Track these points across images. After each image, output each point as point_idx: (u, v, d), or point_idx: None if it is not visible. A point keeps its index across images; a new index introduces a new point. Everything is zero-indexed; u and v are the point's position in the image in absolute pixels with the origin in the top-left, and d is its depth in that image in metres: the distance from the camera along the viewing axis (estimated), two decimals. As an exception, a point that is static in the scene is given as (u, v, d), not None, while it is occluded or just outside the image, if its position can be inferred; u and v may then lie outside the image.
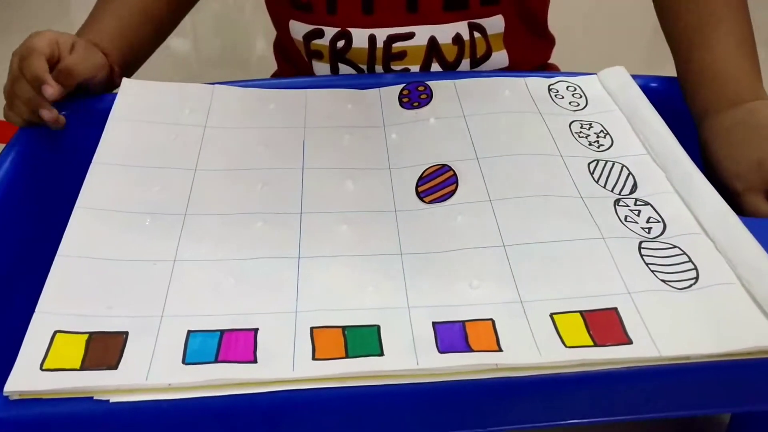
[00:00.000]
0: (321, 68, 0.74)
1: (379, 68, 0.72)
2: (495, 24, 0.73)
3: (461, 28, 0.72)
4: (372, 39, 0.71)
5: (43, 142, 0.61)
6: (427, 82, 0.67)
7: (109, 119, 0.60)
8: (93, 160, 0.56)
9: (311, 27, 0.72)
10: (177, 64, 1.86)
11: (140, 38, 0.71)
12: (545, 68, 0.80)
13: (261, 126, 0.62)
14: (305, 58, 0.75)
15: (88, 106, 0.63)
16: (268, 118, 0.63)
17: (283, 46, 0.80)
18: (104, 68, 0.65)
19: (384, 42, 0.71)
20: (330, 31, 0.72)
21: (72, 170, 0.55)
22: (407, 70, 0.73)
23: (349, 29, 0.71)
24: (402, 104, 0.65)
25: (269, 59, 0.85)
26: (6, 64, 0.61)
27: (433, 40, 0.71)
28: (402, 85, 0.67)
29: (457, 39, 0.72)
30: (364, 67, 0.73)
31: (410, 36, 0.71)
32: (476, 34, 0.72)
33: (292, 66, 0.79)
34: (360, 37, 0.71)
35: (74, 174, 0.55)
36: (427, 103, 0.65)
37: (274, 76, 0.84)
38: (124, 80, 0.64)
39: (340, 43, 0.72)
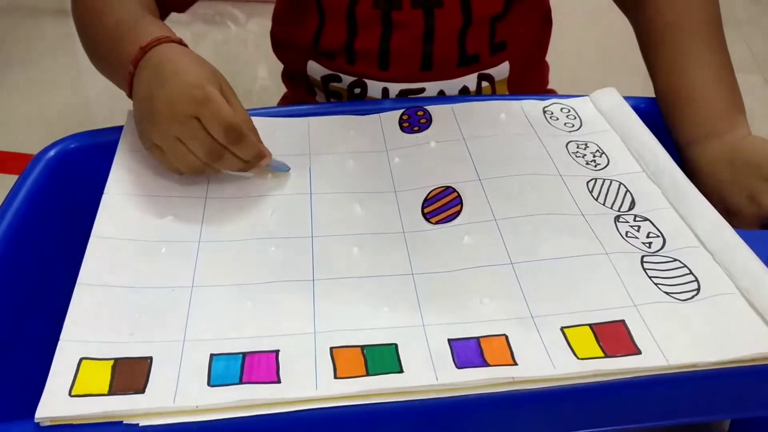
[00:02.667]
0: None
1: None
2: (502, 71, 0.76)
3: (470, 80, 0.75)
4: (385, 91, 0.75)
5: (55, 173, 0.62)
6: (426, 107, 0.69)
7: (117, 151, 0.61)
8: (105, 191, 0.57)
9: (329, 72, 0.75)
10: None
11: None
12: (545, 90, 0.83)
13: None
14: (324, 95, 0.78)
15: (96, 138, 0.65)
16: (272, 146, 0.64)
17: (292, 74, 0.82)
18: None
19: (396, 95, 0.75)
20: (347, 78, 0.75)
21: (83, 201, 0.57)
22: None
23: (365, 80, 0.74)
24: (402, 129, 0.67)
25: (271, 89, 0.87)
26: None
27: (441, 93, 0.75)
28: (401, 110, 0.69)
29: (464, 90, 0.75)
30: None
31: (421, 90, 0.75)
32: (484, 83, 0.76)
33: (302, 88, 0.81)
34: (374, 87, 0.74)
35: (86, 205, 0.56)
36: (426, 127, 0.66)
37: (284, 99, 0.86)
38: (130, 111, 0.66)
39: (357, 90, 0.75)
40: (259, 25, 2.21)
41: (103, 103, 1.89)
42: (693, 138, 0.65)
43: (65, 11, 2.48)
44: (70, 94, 1.93)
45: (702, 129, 0.64)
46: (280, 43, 0.82)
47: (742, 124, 0.65)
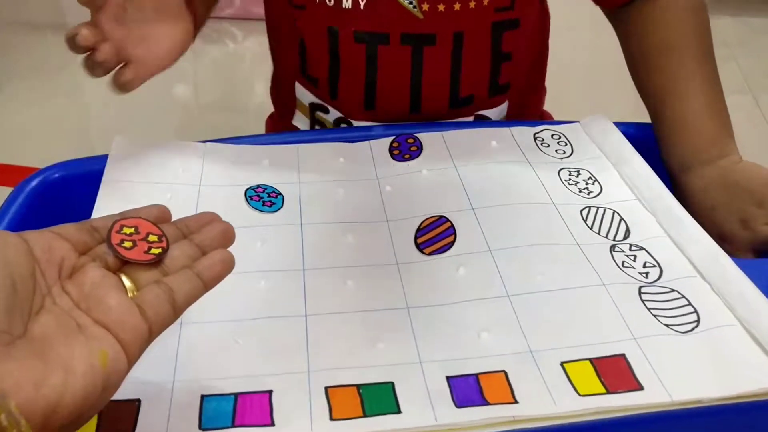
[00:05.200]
0: None
1: None
2: (500, 111, 0.74)
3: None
4: None
5: (37, 204, 0.60)
6: (416, 134, 0.68)
7: (103, 180, 0.60)
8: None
9: (317, 101, 0.73)
10: (178, 110, 1.87)
11: None
12: (540, 116, 0.82)
13: (255, 183, 0.62)
14: (309, 121, 0.76)
15: (80, 168, 0.63)
16: (261, 175, 0.63)
17: (279, 90, 0.80)
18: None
19: None
20: (334, 113, 0.73)
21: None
22: None
23: (350, 119, 0.72)
24: (393, 156, 0.66)
25: (267, 105, 0.86)
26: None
27: None
28: (391, 138, 0.68)
29: None
30: None
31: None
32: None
33: (284, 105, 0.80)
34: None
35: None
36: (417, 155, 0.66)
37: (270, 118, 0.84)
38: (116, 139, 0.64)
39: (343, 125, 0.73)
40: (256, 43, 2.22)
41: (101, 117, 1.87)
42: (686, 164, 0.64)
43: (65, 26, 2.48)
44: (68, 108, 1.92)
45: (695, 155, 0.64)
46: (273, 54, 0.80)
47: (733, 149, 0.65)
